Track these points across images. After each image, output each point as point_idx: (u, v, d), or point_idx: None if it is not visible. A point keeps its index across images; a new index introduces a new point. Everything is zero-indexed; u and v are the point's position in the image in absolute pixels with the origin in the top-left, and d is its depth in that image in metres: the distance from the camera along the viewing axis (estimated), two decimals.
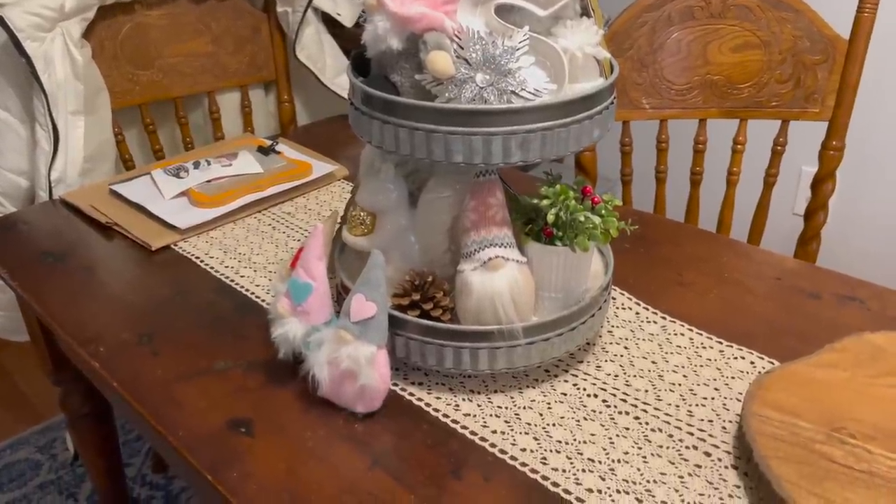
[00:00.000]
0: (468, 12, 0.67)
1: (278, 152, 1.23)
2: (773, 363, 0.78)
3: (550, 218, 0.69)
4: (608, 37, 1.20)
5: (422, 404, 0.73)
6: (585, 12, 0.70)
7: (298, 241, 1.03)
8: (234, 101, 1.54)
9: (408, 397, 0.74)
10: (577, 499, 0.63)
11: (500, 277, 0.69)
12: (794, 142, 1.31)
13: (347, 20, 1.51)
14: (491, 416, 0.72)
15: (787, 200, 1.96)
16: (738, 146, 1.24)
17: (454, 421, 0.71)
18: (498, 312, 0.69)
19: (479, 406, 0.73)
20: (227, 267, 0.97)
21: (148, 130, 1.41)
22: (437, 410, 0.72)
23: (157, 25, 1.38)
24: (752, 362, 0.78)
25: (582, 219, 0.69)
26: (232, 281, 0.94)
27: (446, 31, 0.65)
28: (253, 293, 0.92)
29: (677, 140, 1.38)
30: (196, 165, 1.15)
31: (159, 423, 0.71)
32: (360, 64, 0.74)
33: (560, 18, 0.69)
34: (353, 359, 0.68)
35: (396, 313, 0.71)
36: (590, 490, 0.63)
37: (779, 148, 1.22)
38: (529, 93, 0.65)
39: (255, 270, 0.97)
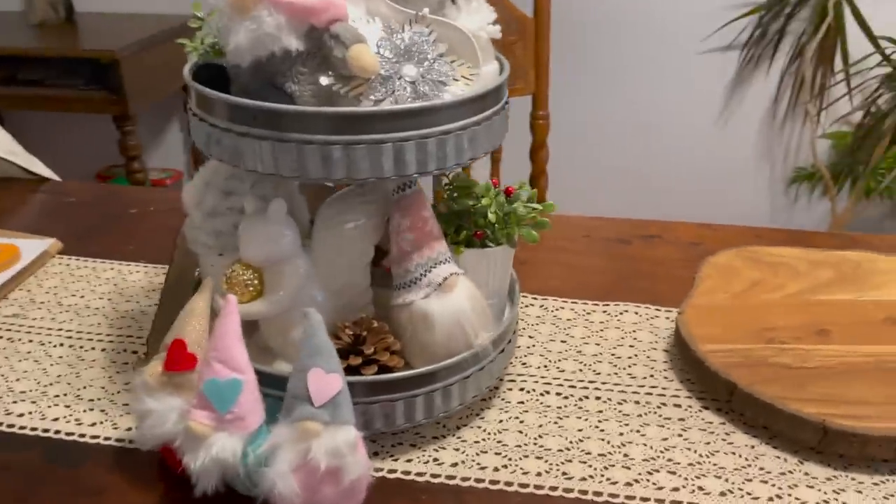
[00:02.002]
0: None
1: None
2: (653, 308, 0.83)
3: (492, 217, 0.62)
4: None
5: (401, 475, 0.60)
6: None
7: (63, 345, 0.76)
8: None
9: (384, 474, 0.60)
10: (643, 498, 0.58)
11: (459, 296, 0.60)
12: None
13: None
14: (477, 453, 0.62)
15: None
16: None
17: (449, 477, 0.60)
18: (467, 336, 0.60)
19: (456, 450, 0.63)
20: None
21: None
22: (421, 474, 0.60)
23: None
24: (636, 312, 0.82)
25: (521, 210, 0.63)
26: (9, 427, 0.65)
27: (348, 20, 0.53)
28: (59, 433, 0.64)
29: None
30: None
31: None
32: (207, 79, 0.56)
33: None
34: (333, 453, 0.52)
35: (353, 378, 0.57)
36: (636, 481, 0.60)
37: None
38: (458, 82, 0.57)
39: (33, 402, 0.68)
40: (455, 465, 0.61)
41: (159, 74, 1.98)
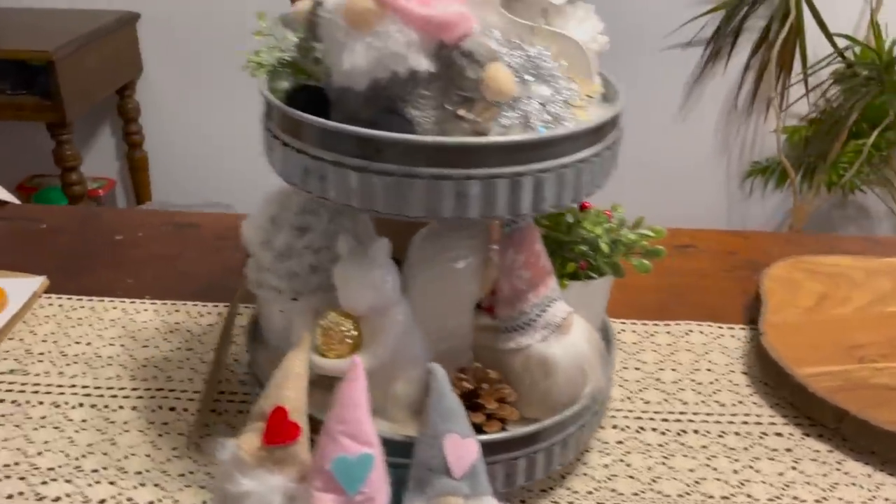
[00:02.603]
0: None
1: None
2: (715, 326, 0.79)
3: (605, 247, 0.56)
4: None
5: None
6: None
7: (83, 405, 0.65)
8: None
9: None
10: None
11: (578, 337, 0.54)
12: None
13: None
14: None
15: None
16: None
17: None
18: (587, 379, 0.55)
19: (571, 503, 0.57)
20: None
21: None
22: None
23: None
24: (700, 332, 0.78)
25: (633, 237, 0.58)
26: None
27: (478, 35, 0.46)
28: None
29: None
30: None
31: None
32: (302, 103, 0.48)
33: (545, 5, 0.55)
34: None
35: (486, 438, 0.51)
36: None
37: None
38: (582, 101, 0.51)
39: (68, 482, 0.58)
40: None
41: (97, 76, 1.81)
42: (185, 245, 0.93)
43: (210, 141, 2.11)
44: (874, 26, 1.79)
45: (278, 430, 0.48)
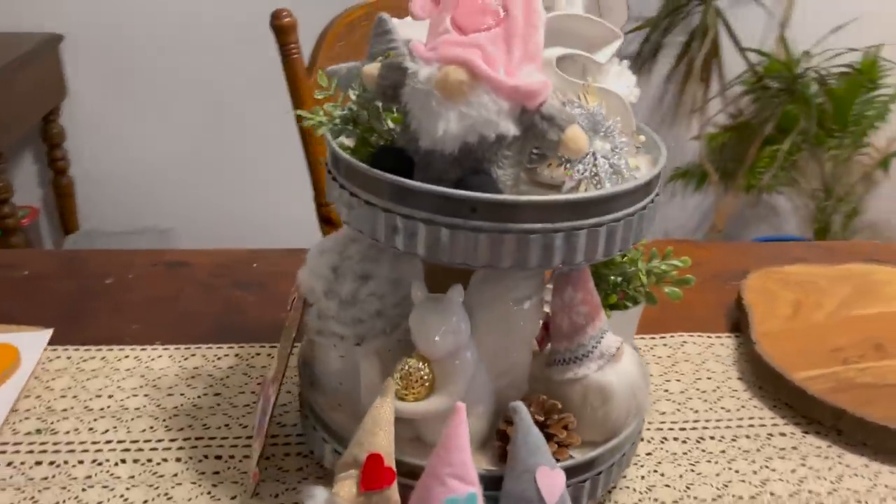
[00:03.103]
0: None
1: None
2: (705, 336, 0.86)
3: (644, 278, 0.62)
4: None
5: None
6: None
7: (126, 461, 0.65)
8: None
9: None
10: None
11: (629, 364, 0.59)
12: None
13: None
14: None
15: None
16: None
17: None
18: (639, 403, 0.60)
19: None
20: None
21: None
22: None
23: None
24: (693, 343, 0.85)
25: (664, 267, 0.63)
26: None
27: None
28: None
29: None
30: None
31: None
32: (387, 163, 0.50)
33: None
34: None
35: (564, 465, 0.54)
36: None
37: None
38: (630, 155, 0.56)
39: None
40: None
41: (25, 101, 1.72)
42: (180, 285, 0.92)
43: (139, 163, 2.05)
44: (783, 41, 1.95)
45: (376, 476, 0.51)
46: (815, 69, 1.93)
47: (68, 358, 0.78)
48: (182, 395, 0.74)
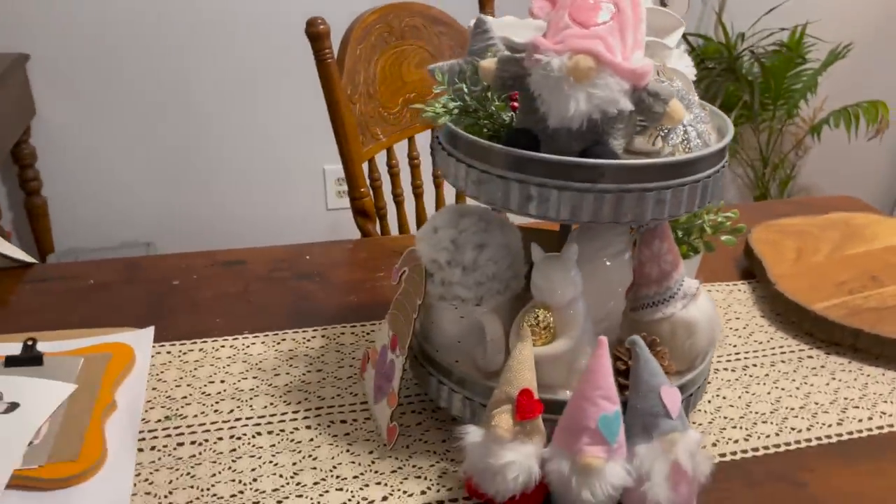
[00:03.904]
0: None
1: (40, 355, 0.76)
2: (721, 284, 0.99)
3: (709, 229, 0.73)
4: (347, 75, 1.11)
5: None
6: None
7: (261, 433, 0.71)
8: None
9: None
10: (878, 427, 0.74)
11: (706, 301, 0.70)
12: None
13: None
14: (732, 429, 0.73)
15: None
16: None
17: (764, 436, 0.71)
18: (715, 334, 0.71)
19: (722, 429, 0.73)
20: None
21: None
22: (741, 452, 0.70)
23: None
24: (717, 290, 0.98)
25: (720, 219, 0.75)
26: None
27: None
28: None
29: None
30: None
31: None
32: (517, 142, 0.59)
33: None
34: (691, 455, 0.60)
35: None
36: (857, 419, 0.75)
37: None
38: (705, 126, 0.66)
39: (341, 490, 0.64)
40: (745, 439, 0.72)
41: (1, 126, 1.71)
42: (243, 281, 0.98)
43: (112, 179, 2.04)
44: (721, 25, 2.12)
45: (529, 407, 0.59)
46: (750, 49, 2.12)
47: (168, 352, 0.83)
48: (287, 374, 0.80)
